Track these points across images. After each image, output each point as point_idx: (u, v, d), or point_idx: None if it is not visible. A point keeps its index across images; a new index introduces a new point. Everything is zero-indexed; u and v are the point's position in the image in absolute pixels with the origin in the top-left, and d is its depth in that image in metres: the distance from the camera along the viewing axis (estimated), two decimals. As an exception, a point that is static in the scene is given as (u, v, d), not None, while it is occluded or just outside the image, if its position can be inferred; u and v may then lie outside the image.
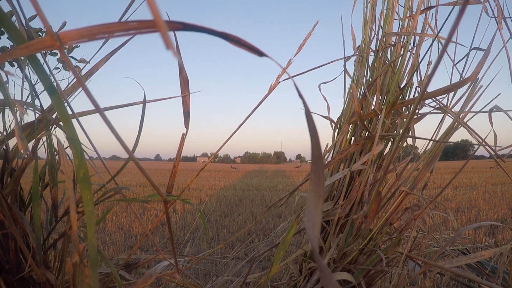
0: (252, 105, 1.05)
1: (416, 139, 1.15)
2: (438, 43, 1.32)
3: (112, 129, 0.38)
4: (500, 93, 1.23)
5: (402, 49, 1.17)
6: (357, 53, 1.25)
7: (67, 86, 1.11)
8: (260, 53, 0.35)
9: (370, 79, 1.16)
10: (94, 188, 1.00)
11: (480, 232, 5.94)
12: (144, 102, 0.94)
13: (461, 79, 1.01)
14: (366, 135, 1.07)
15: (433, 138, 1.08)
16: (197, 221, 6.95)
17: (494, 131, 1.12)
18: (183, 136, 0.93)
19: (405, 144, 1.17)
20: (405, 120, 1.10)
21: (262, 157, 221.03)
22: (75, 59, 2.63)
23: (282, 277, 1.26)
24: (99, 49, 1.09)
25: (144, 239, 5.65)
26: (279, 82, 1.02)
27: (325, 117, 1.25)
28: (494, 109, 1.16)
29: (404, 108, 1.14)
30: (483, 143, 1.05)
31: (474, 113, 1.20)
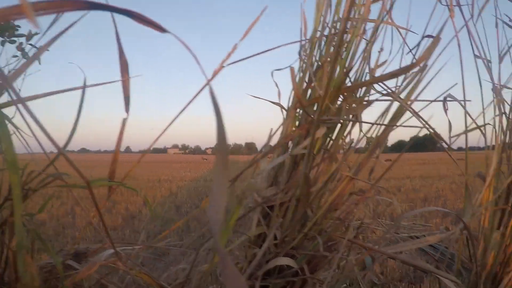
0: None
1: (364, 128, 1.15)
2: (392, 31, 1.32)
3: (36, 120, 0.37)
4: (456, 83, 1.24)
5: (350, 35, 1.16)
6: (308, 39, 1.24)
7: (11, 71, 1.08)
8: (163, 30, 0.36)
9: (317, 67, 1.16)
10: (32, 176, 0.97)
11: (447, 221, 6.04)
12: (84, 87, 0.92)
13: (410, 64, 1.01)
14: (310, 120, 1.06)
15: (378, 124, 1.08)
16: (167, 213, 6.92)
17: (449, 120, 1.12)
18: (124, 121, 0.91)
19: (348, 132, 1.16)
20: (351, 106, 1.10)
21: (233, 148, 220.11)
22: (35, 47, 2.58)
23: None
24: (44, 33, 1.07)
25: (114, 232, 5.60)
26: (223, 66, 1.00)
27: (275, 103, 1.25)
28: (448, 98, 1.17)
29: (354, 95, 1.14)
30: (430, 129, 1.06)
31: (428, 102, 1.20)
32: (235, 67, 1.09)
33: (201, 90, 0.98)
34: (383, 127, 1.09)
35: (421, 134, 1.13)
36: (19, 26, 2.43)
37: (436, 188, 10.49)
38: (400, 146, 1.20)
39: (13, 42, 2.52)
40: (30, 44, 2.58)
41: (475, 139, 1.29)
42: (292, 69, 1.06)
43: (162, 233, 1.37)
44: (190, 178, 14.97)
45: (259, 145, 1.15)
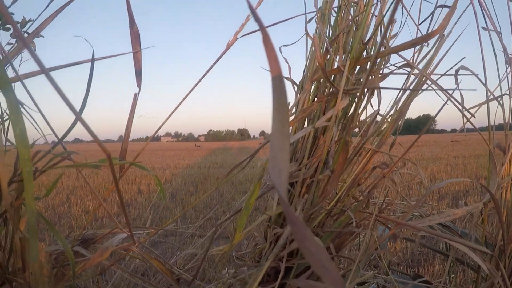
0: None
1: (382, 101, 1.11)
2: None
3: (57, 88, 0.33)
4: (465, 57, 1.20)
5: (365, 6, 1.12)
6: (319, 10, 1.20)
7: (11, 47, 1.04)
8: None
9: (333, 38, 1.11)
10: (40, 156, 0.92)
11: (443, 203, 6.06)
12: (92, 60, 0.87)
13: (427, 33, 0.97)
14: (330, 91, 1.02)
15: (399, 93, 1.05)
16: (163, 201, 6.88)
17: (460, 92, 1.08)
18: (135, 96, 0.87)
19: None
20: (367, 78, 1.06)
21: (226, 134, 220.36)
22: (28, 33, 2.54)
23: (247, 246, 1.22)
24: (46, 8, 1.02)
25: (109, 220, 5.58)
26: (237, 38, 0.96)
27: (287, 78, 1.21)
28: (460, 69, 1.13)
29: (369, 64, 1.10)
30: (452, 100, 1.02)
31: (439, 75, 1.16)
32: (247, 41, 1.05)
33: (218, 60, 0.94)
34: (402, 100, 1.05)
35: (414, 117, 1.10)
36: (13, 13, 2.37)
37: (431, 170, 10.52)
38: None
39: (7, 29, 2.45)
40: (26, 32, 2.53)
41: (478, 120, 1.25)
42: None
43: (162, 219, 1.33)
44: (184, 166, 14.98)
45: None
